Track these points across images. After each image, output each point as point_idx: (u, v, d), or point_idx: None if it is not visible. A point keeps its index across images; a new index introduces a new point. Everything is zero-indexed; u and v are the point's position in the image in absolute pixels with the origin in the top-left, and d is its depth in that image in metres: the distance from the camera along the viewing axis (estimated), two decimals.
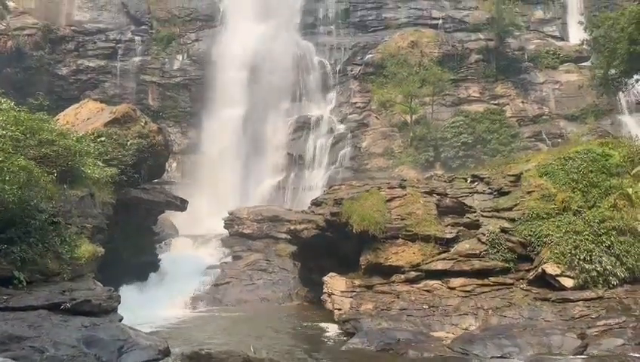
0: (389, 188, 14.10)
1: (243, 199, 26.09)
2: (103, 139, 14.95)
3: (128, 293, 14.37)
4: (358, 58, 32.82)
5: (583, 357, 8.62)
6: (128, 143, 15.71)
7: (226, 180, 28.24)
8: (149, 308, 14.21)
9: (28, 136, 10.57)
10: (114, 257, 13.73)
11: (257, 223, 21.33)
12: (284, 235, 19.01)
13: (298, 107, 31.85)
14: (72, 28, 32.29)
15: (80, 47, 32.07)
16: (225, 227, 22.27)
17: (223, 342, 9.90)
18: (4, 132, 9.56)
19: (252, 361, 5.90)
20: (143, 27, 33.21)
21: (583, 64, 30.87)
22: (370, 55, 32.39)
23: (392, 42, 32.30)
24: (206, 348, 6.30)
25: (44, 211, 9.38)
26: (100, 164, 13.33)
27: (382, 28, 33.61)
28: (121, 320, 9.15)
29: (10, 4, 29.58)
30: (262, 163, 30.33)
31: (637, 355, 8.32)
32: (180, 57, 32.53)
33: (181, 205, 19.91)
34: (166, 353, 7.06)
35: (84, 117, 16.74)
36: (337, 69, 32.62)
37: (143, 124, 16.98)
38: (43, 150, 10.77)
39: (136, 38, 32.87)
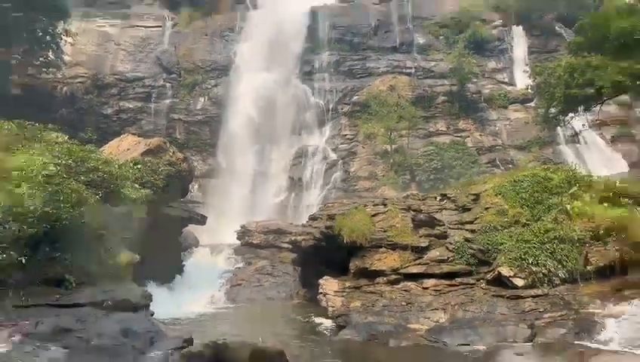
0: (373, 205, 14.13)
1: (252, 215, 25.98)
2: (139, 166, 14.99)
3: (158, 293, 14.21)
4: (347, 99, 33.08)
5: (532, 344, 8.65)
6: (160, 169, 15.79)
7: (239, 200, 28.30)
8: (175, 305, 14.14)
9: (78, 164, 10.66)
10: (147, 263, 13.65)
11: (264, 235, 21.34)
12: (286, 245, 19.03)
13: (298, 139, 32.04)
14: (116, 76, 32.60)
15: (121, 91, 32.38)
16: (237, 238, 22.26)
17: (237, 333, 9.89)
18: (59, 161, 9.64)
19: (261, 350, 5.89)
20: (173, 75, 33.56)
21: (528, 104, 31.31)
22: (357, 96, 32.68)
23: (375, 86, 32.65)
24: (223, 339, 6.29)
25: (91, 225, 9.42)
26: (137, 186, 13.35)
27: (366, 75, 33.94)
28: (152, 315, 9.16)
29: (66, 58, 29.95)
30: (268, 185, 30.40)
31: (576, 342, 8.37)
32: (202, 99, 32.81)
33: (201, 220, 19.92)
34: (190, 342, 7.02)
35: (124, 148, 16.84)
36: (330, 107, 32.87)
37: (171, 153, 17.11)
38: (90, 175, 10.84)
39: (167, 84, 33.21)
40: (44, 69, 28.85)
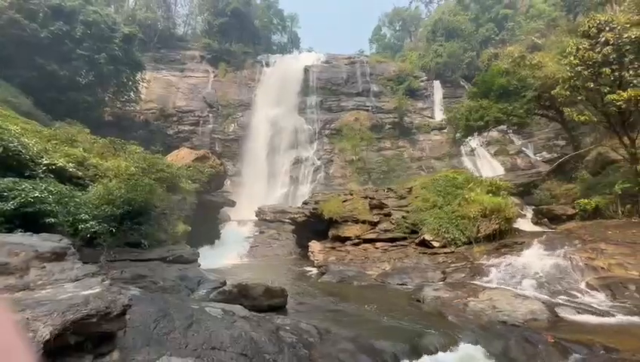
0: (344, 195, 14.24)
1: (266, 201, 25.78)
2: (191, 168, 14.80)
3: (204, 252, 14.05)
4: (328, 126, 33.08)
5: (443, 283, 8.76)
6: (205, 171, 15.59)
7: (257, 191, 28.02)
8: (215, 259, 13.94)
9: (150, 166, 10.45)
10: (197, 231, 13.52)
11: (273, 213, 21.18)
12: (288, 220, 18.84)
13: (296, 151, 31.88)
14: (176, 109, 31.93)
15: (180, 119, 31.71)
16: (256, 216, 22.05)
17: (255, 277, 9.80)
18: (137, 164, 9.43)
19: (270, 288, 5.86)
20: (214, 109, 33.00)
21: (443, 131, 31.62)
22: (334, 124, 32.73)
23: (345, 118, 32.69)
24: (245, 281, 6.24)
25: (159, 207, 9.26)
26: (189, 181, 13.18)
27: (340, 110, 33.97)
28: (199, 266, 9.02)
29: (142, 96, 29.36)
30: (276, 181, 30.19)
31: (471, 282, 8.50)
32: (232, 125, 32.37)
33: (232, 204, 19.74)
34: (224, 283, 6.95)
35: (181, 156, 16.55)
36: (317, 131, 32.82)
37: (212, 160, 16.90)
38: (158, 174, 10.64)
39: (210, 115, 32.66)
40: (127, 104, 28.15)
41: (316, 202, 14.28)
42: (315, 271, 11.80)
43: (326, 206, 13.04)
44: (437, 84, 35.72)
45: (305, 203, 16.05)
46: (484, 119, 16.69)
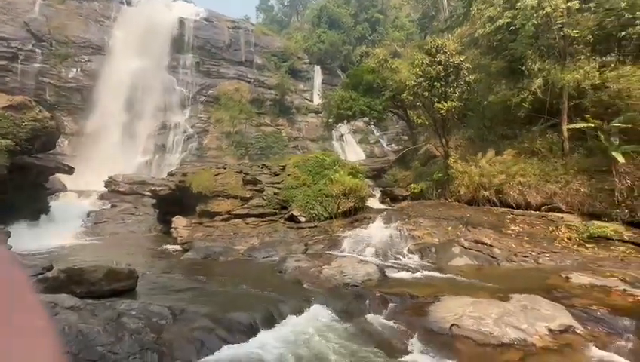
0: (216, 168, 13.47)
1: (121, 170, 21.85)
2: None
3: (20, 230, 10.89)
4: (204, 91, 30.31)
5: (305, 254, 9.53)
6: (23, 124, 11.72)
7: (108, 157, 23.18)
8: (39, 240, 10.99)
9: None
10: (8, 204, 10.22)
11: (129, 185, 18.11)
12: (148, 193, 16.52)
13: (164, 115, 28.04)
14: None
15: None
16: (105, 186, 18.39)
17: (96, 260, 8.24)
18: None
19: (114, 270, 5.05)
20: (43, 43, 24.76)
21: (319, 114, 33.66)
22: (211, 91, 30.23)
23: (225, 86, 30.62)
24: (80, 264, 5.18)
25: None
26: None
27: (219, 77, 31.46)
28: (10, 248, 6.90)
29: None
30: (136, 147, 25.95)
31: (328, 252, 9.62)
32: (74, 70, 25.25)
33: (69, 170, 15.59)
34: (49, 269, 5.56)
35: None
36: (190, 96, 29.57)
37: (37, 111, 12.77)
38: None
39: (37, 50, 24.36)
40: None
41: (184, 174, 13.03)
42: (178, 248, 10.95)
43: (195, 179, 12.08)
44: (318, 68, 37.43)
45: (171, 174, 14.40)
46: (352, 110, 18.64)
